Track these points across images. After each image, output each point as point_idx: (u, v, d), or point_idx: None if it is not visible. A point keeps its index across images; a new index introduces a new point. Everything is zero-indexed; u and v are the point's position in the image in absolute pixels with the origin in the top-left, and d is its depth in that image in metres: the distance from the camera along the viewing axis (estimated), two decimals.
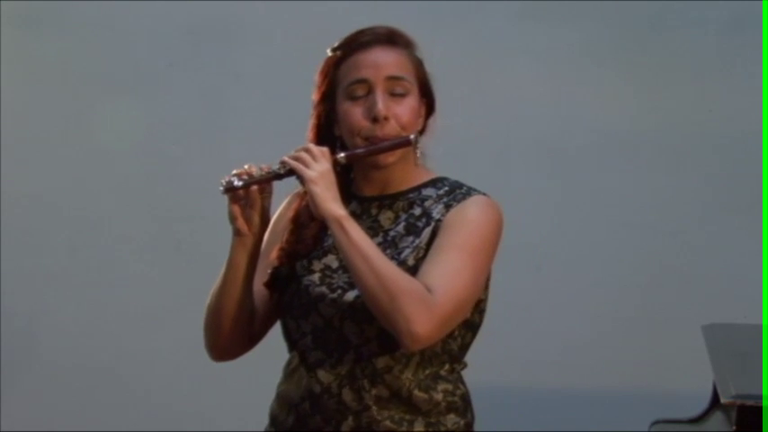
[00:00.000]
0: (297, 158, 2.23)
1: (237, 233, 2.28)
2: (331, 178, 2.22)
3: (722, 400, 2.93)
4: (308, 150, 2.24)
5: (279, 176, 2.25)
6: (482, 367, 4.30)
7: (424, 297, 2.15)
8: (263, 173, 2.24)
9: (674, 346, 4.22)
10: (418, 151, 2.31)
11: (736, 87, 4.30)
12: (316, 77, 2.35)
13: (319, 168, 2.21)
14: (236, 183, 2.23)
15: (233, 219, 2.27)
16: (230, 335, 2.36)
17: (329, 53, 2.34)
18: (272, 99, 4.37)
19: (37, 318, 4.51)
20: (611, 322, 4.30)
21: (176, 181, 4.43)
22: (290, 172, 2.23)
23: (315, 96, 2.36)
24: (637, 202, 4.34)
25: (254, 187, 2.25)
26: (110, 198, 4.47)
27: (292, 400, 2.32)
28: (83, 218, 4.50)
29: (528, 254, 4.34)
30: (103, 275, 4.48)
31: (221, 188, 2.24)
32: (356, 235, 2.18)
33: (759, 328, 3.65)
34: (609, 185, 4.35)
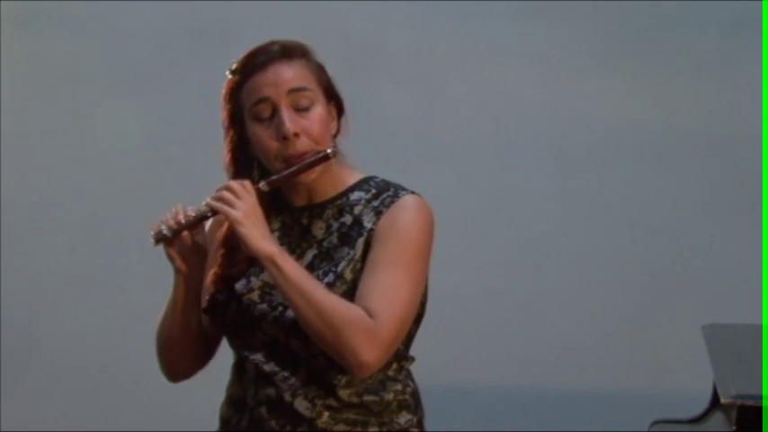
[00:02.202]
0: (220, 198, 2.24)
1: (178, 272, 2.32)
2: (257, 214, 2.23)
3: (722, 401, 2.93)
4: (229, 188, 2.24)
5: (206, 218, 2.28)
6: (482, 367, 4.32)
7: (366, 326, 2.18)
8: (191, 217, 2.27)
9: (674, 346, 4.22)
10: (333, 154, 2.29)
11: (736, 87, 4.30)
12: (220, 100, 2.36)
13: (244, 207, 2.21)
14: (166, 232, 2.26)
15: (171, 260, 2.30)
16: (182, 359, 2.41)
17: (228, 75, 2.34)
18: None
19: (37, 318, 4.51)
20: (611, 322, 4.30)
21: (176, 181, 4.42)
22: (216, 212, 2.25)
23: (223, 120, 2.37)
24: (637, 202, 4.34)
25: (185, 232, 2.28)
26: (110, 198, 4.47)
27: (247, 403, 2.34)
28: (83, 218, 4.50)
29: (528, 253, 4.34)
30: (103, 275, 4.47)
31: (152, 240, 2.28)
32: (291, 271, 2.19)
33: (759, 328, 3.65)
34: (609, 185, 4.35)
